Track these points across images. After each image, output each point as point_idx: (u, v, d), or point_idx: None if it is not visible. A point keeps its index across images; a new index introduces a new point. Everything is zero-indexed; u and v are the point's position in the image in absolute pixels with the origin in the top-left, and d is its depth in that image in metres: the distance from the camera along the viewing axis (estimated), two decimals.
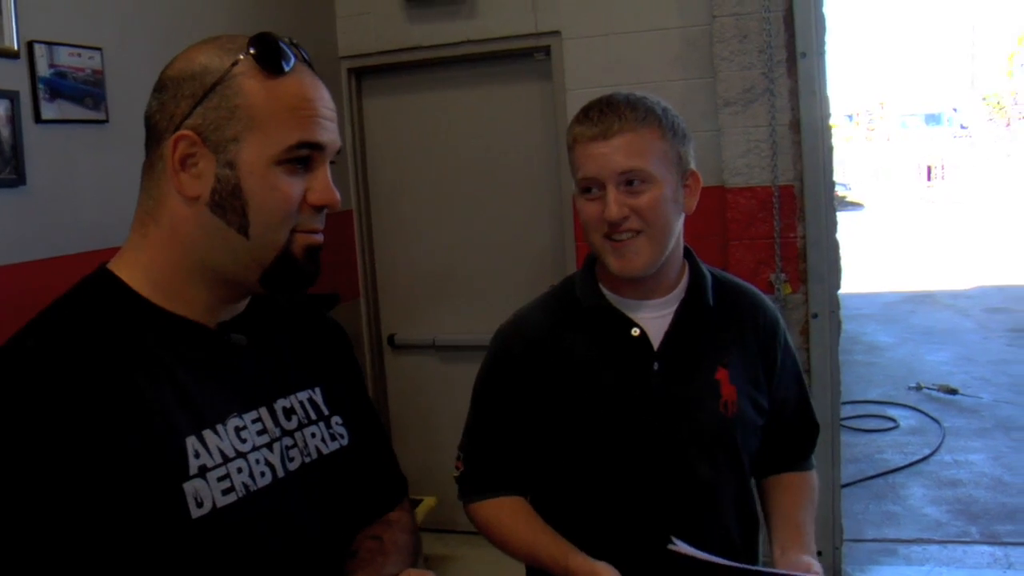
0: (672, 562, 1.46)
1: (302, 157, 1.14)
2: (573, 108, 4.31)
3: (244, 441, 1.15)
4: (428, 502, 4.37)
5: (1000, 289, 12.83)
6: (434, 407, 4.88)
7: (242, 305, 1.24)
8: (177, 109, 1.12)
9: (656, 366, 1.67)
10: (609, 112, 1.62)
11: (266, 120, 1.11)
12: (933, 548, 4.53)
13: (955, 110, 30.77)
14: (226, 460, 1.12)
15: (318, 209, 1.17)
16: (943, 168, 26.06)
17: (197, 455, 1.09)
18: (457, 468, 1.80)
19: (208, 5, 3.77)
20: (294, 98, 1.13)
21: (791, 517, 1.76)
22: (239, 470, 1.13)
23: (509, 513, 1.73)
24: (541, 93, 4.61)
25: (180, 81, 1.13)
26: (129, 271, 1.17)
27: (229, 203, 1.12)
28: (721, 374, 1.70)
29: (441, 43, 4.51)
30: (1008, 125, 23.71)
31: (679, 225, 1.69)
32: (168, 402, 1.09)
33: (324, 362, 1.36)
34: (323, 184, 1.16)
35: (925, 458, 5.95)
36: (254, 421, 1.18)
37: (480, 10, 4.51)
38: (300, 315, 1.38)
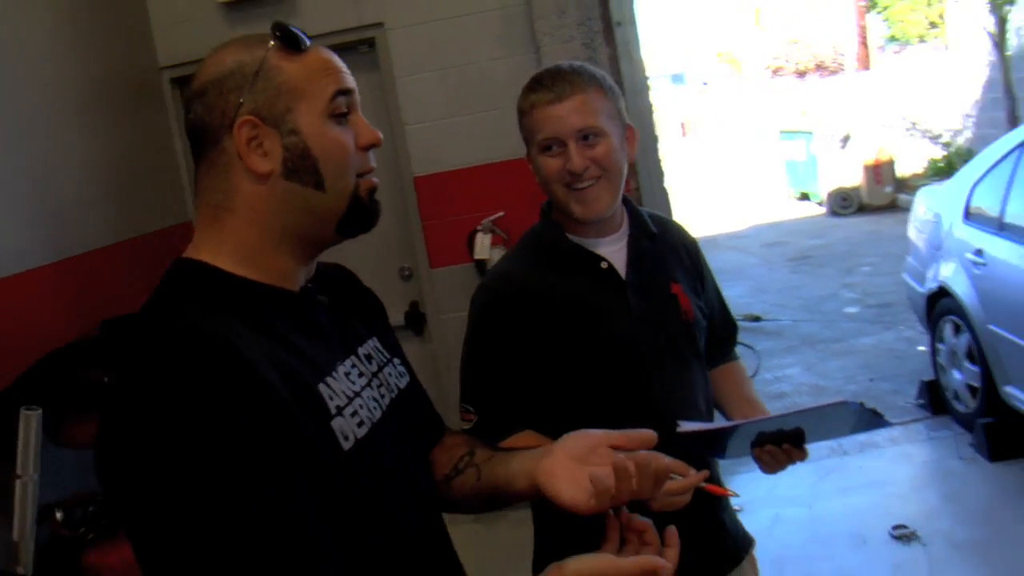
0: (683, 443, 1.73)
1: (341, 107, 1.27)
2: (404, 95, 4.61)
3: (353, 383, 1.29)
4: None
5: (771, 226, 13.96)
6: None
7: (312, 271, 1.36)
8: (227, 104, 1.24)
9: (628, 290, 1.94)
10: (560, 79, 1.86)
11: (306, 86, 1.25)
12: None
13: (695, 68, 32.72)
14: (350, 400, 1.26)
15: (367, 150, 1.31)
16: (693, 124, 27.62)
17: (331, 398, 1.22)
18: (468, 420, 1.94)
19: (24, 21, 3.72)
20: (319, 62, 1.28)
21: (738, 391, 2.13)
22: (361, 407, 1.28)
23: (533, 441, 1.88)
24: (369, 84, 4.74)
25: (219, 81, 1.25)
26: (216, 257, 1.26)
27: (302, 165, 1.25)
28: (676, 288, 2.00)
29: None
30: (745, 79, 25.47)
31: (626, 171, 1.94)
32: (293, 359, 1.21)
33: (373, 316, 1.52)
34: (364, 126, 1.31)
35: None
36: (352, 367, 1.32)
37: (301, 8, 4.61)
38: (342, 279, 1.53)
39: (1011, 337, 4.40)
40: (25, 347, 3.19)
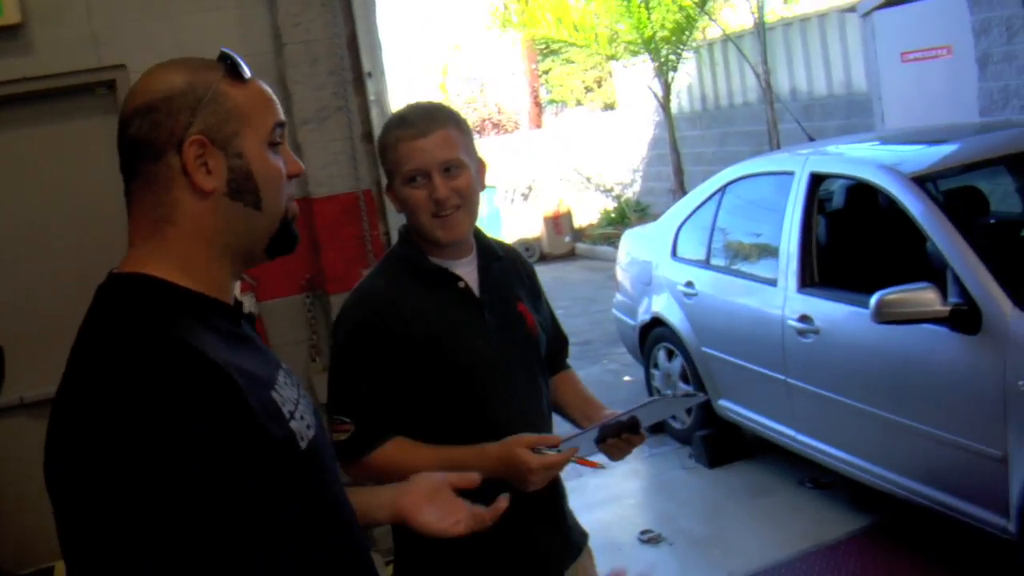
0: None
1: (277, 138, 1.36)
2: None
3: (292, 392, 1.37)
4: (60, 566, 4.23)
5: None
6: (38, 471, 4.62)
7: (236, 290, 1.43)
8: (176, 123, 1.29)
9: (483, 307, 2.13)
10: (424, 116, 2.05)
11: (251, 114, 1.34)
12: None
13: None
14: (296, 405, 1.34)
15: (292, 179, 1.40)
16: None
17: (283, 404, 1.30)
18: (344, 431, 2.05)
19: None
20: (261, 94, 1.37)
21: (578, 394, 2.36)
22: (303, 414, 1.35)
23: (409, 445, 2.05)
24: (108, 127, 4.56)
25: (169, 100, 1.30)
26: (162, 270, 1.29)
27: (244, 186, 1.32)
28: (522, 307, 2.21)
29: None
30: None
31: (479, 199, 2.15)
32: (244, 364, 1.26)
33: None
34: (292, 157, 1.41)
35: None
36: (285, 379, 1.39)
37: (37, 46, 4.40)
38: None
39: (722, 356, 5.02)
40: None
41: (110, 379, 1.14)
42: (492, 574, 2.11)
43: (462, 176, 2.03)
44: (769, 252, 4.70)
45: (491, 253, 2.20)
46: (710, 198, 5.42)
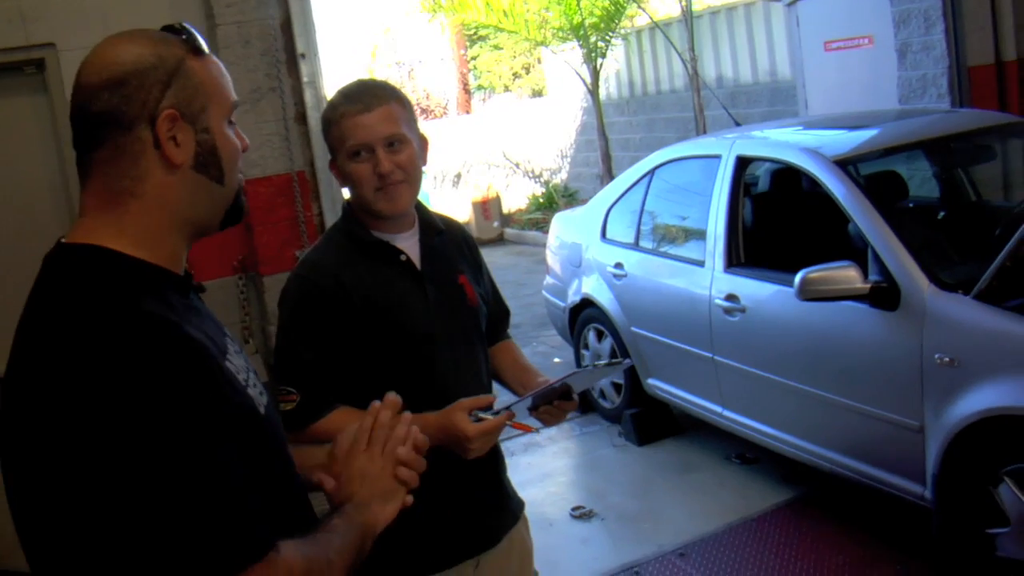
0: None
1: (233, 115, 1.41)
2: None
3: (243, 362, 1.40)
4: None
5: None
6: None
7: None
8: (149, 96, 1.30)
9: (424, 280, 2.19)
10: (366, 92, 2.10)
11: (215, 90, 1.37)
12: None
13: None
14: (248, 375, 1.37)
15: (243, 152, 1.46)
16: None
17: (237, 372, 1.32)
18: (291, 401, 2.09)
19: None
20: (219, 69, 1.41)
21: (516, 362, 2.42)
22: (255, 383, 1.38)
23: (351, 414, 2.07)
24: (36, 107, 4.54)
25: (142, 73, 1.31)
26: (117, 242, 1.29)
27: (210, 160, 1.36)
28: (463, 279, 2.27)
29: None
30: None
31: (422, 173, 2.20)
32: (197, 333, 1.27)
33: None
34: (240, 133, 1.45)
35: None
36: (235, 350, 1.41)
37: None
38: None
39: (651, 335, 5.12)
40: None
41: (78, 352, 1.15)
42: (435, 537, 2.15)
43: (405, 151, 2.09)
44: (697, 234, 4.82)
45: (433, 227, 2.26)
46: (639, 181, 5.52)
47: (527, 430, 2.17)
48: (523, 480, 5.11)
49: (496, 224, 14.72)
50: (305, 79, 4.64)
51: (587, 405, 6.00)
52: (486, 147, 15.41)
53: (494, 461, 2.26)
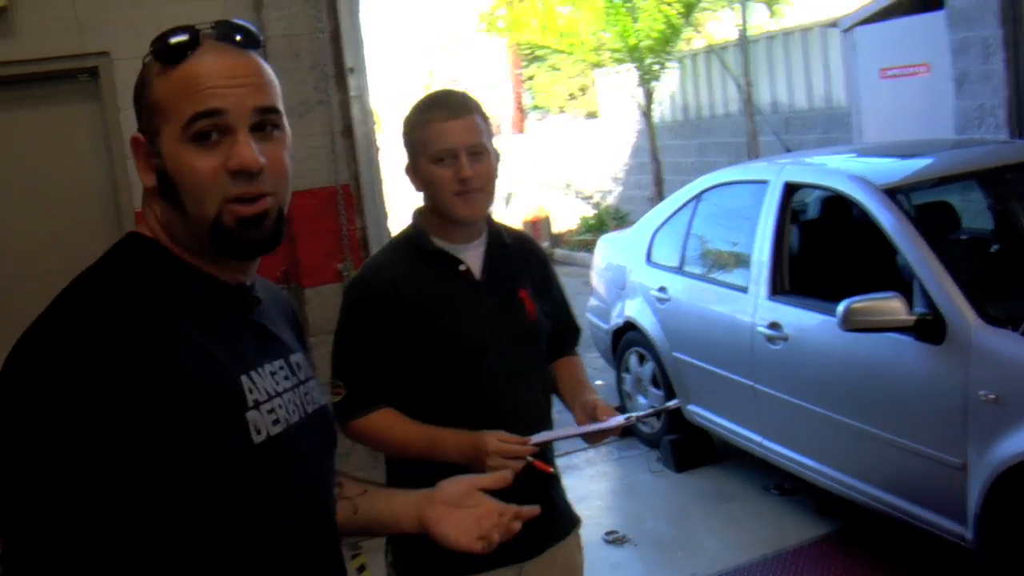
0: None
1: (204, 130, 1.19)
2: (128, 127, 4.51)
3: (277, 383, 1.30)
4: None
5: None
6: None
7: (252, 273, 1.35)
8: (139, 119, 1.27)
9: (482, 290, 2.21)
10: (454, 100, 2.16)
11: (168, 107, 1.21)
12: None
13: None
14: (270, 397, 1.26)
15: (237, 175, 1.20)
16: None
17: (251, 391, 1.23)
18: (337, 394, 2.18)
19: None
20: (186, 79, 1.20)
21: (574, 378, 2.42)
22: (280, 406, 1.27)
23: (395, 417, 2.17)
24: (90, 114, 4.62)
25: (135, 93, 1.28)
26: (158, 236, 1.27)
27: (167, 189, 1.23)
28: (523, 293, 2.29)
29: None
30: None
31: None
32: (217, 344, 1.22)
33: (301, 338, 1.54)
34: (235, 148, 1.20)
35: None
36: (280, 368, 1.33)
37: (18, 29, 4.40)
38: (277, 295, 1.54)
39: (693, 361, 5.06)
40: None
41: (33, 338, 1.13)
42: None
43: (485, 161, 2.14)
44: (742, 259, 4.75)
45: (500, 240, 2.29)
46: (685, 205, 5.47)
47: (545, 470, 2.15)
48: None
49: (545, 244, 14.69)
50: (353, 93, 4.68)
51: (627, 429, 5.91)
52: (538, 167, 15.42)
53: (542, 477, 2.25)
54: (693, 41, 12.19)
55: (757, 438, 4.61)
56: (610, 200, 14.83)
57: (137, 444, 1.08)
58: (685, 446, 5.33)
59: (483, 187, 2.14)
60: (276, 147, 1.25)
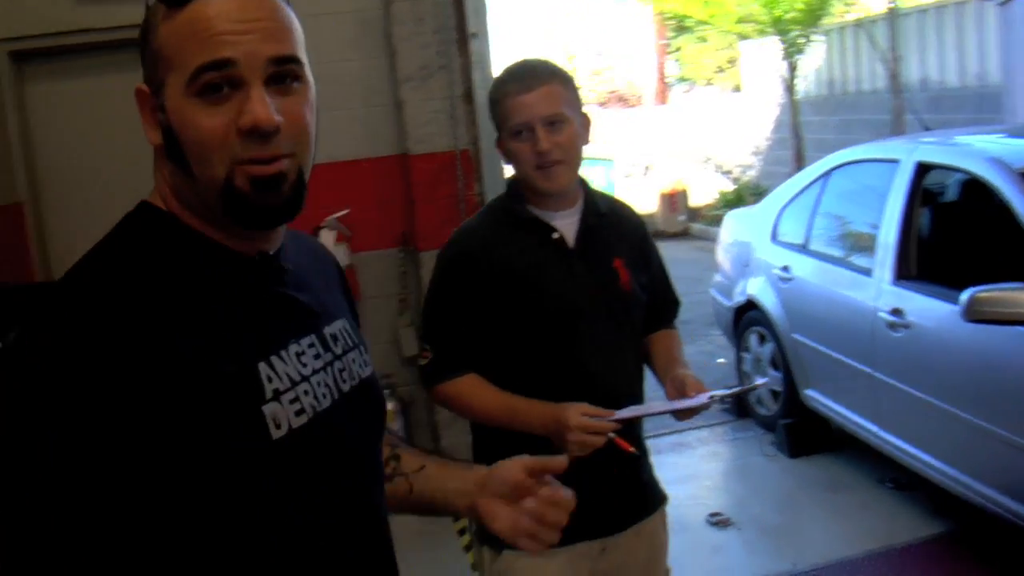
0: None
1: (213, 82, 1.06)
2: None
3: (304, 365, 1.17)
4: None
5: None
6: None
7: (278, 237, 1.21)
8: (145, 66, 1.14)
9: (573, 258, 2.18)
10: (528, 72, 2.11)
11: (173, 56, 1.07)
12: None
13: None
14: (294, 384, 1.14)
15: (249, 135, 1.07)
16: None
17: (270, 379, 1.10)
18: (424, 357, 2.21)
19: None
20: (192, 24, 1.07)
21: (668, 351, 2.36)
22: (305, 392, 1.15)
23: (479, 384, 2.17)
24: None
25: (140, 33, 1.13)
26: (169, 203, 1.16)
27: (173, 148, 1.10)
28: (618, 263, 2.24)
29: (114, 26, 4.45)
30: None
31: (582, 152, 2.20)
32: (233, 329, 1.11)
33: (344, 296, 1.42)
34: (248, 104, 1.06)
35: None
36: (309, 346, 1.20)
37: None
38: (313, 250, 1.41)
39: (812, 344, 4.89)
40: None
41: (38, 327, 1.03)
42: None
43: (565, 131, 2.10)
44: (867, 241, 4.54)
45: (595, 208, 2.25)
46: (814, 182, 5.28)
47: (626, 449, 2.10)
48: (664, 480, 4.88)
49: (682, 218, 14.49)
50: (475, 58, 4.67)
51: (743, 410, 5.81)
52: (678, 139, 15.18)
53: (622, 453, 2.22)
54: (844, 14, 11.73)
55: (874, 428, 4.42)
56: (750, 175, 14.49)
57: (139, 444, 0.98)
58: (800, 431, 5.16)
59: (563, 158, 2.10)
60: (296, 102, 1.10)
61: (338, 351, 1.26)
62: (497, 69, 4.89)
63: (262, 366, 1.10)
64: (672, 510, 4.50)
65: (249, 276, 1.16)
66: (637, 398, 2.25)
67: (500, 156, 2.21)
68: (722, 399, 2.14)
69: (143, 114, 1.13)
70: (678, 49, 20.39)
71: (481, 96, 4.71)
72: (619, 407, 2.07)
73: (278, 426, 1.09)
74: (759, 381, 2.35)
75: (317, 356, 1.20)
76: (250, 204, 1.09)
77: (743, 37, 12.16)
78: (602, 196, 2.32)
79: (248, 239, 1.16)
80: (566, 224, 2.20)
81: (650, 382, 2.32)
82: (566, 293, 2.16)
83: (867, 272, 4.42)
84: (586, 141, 2.18)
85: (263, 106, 1.06)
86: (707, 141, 15.09)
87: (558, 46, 19.86)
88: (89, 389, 0.97)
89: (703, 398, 2.12)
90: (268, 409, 1.09)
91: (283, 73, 1.09)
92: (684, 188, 14.47)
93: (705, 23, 12.25)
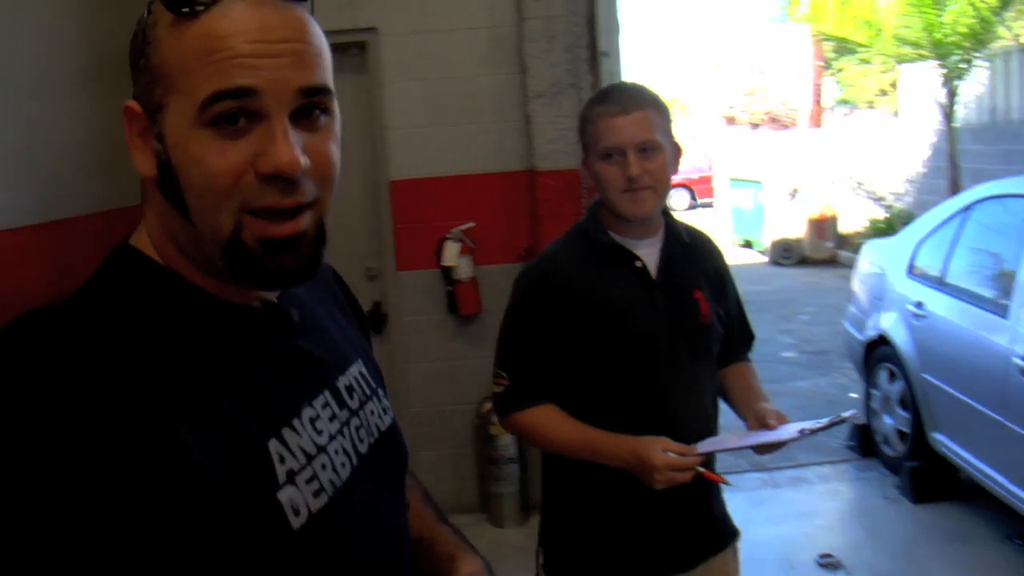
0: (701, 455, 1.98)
1: (228, 113, 0.89)
2: (390, 100, 4.76)
3: (320, 433, 1.01)
4: None
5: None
6: None
7: None
8: (135, 76, 0.96)
9: (656, 289, 2.14)
10: (625, 95, 2.09)
11: (179, 76, 0.90)
12: None
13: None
14: (309, 459, 0.98)
15: (269, 180, 0.90)
16: None
17: (283, 460, 0.94)
18: (500, 384, 2.17)
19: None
20: (206, 40, 0.89)
21: (746, 384, 2.32)
22: (323, 467, 0.99)
23: (557, 415, 2.13)
24: (355, 86, 4.88)
25: (131, 44, 0.96)
26: (161, 249, 0.98)
27: (168, 184, 0.93)
28: (698, 294, 2.20)
29: None
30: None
31: (671, 181, 2.17)
32: (235, 402, 0.93)
33: (356, 330, 1.24)
34: (271, 143, 0.90)
35: None
36: (323, 407, 1.04)
37: None
38: (326, 280, 1.24)
39: (943, 386, 4.66)
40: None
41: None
42: (628, 548, 2.14)
43: (656, 158, 2.07)
44: (1006, 281, 4.31)
45: (677, 237, 2.21)
46: (955, 215, 5.04)
47: (718, 481, 2.07)
48: (778, 515, 4.87)
49: (830, 244, 14.10)
50: (604, 77, 4.65)
51: (868, 448, 5.59)
52: (830, 163, 14.74)
53: (702, 485, 2.18)
54: (1012, 39, 11.17)
55: (1002, 480, 4.18)
56: (903, 203, 13.95)
57: (131, 552, 0.80)
58: (926, 476, 4.93)
59: (652, 185, 2.06)
60: (323, 139, 0.95)
61: (354, 405, 1.10)
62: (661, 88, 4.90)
63: (273, 444, 0.94)
64: (781, 547, 4.42)
65: (252, 333, 1.00)
66: (713, 433, 2.19)
67: (587, 178, 2.18)
68: (811, 432, 2.05)
69: (131, 138, 0.95)
70: (840, 70, 19.82)
71: None
72: (695, 440, 2.03)
73: (297, 513, 0.94)
74: (846, 414, 2.19)
75: (332, 417, 1.05)
76: (259, 265, 0.93)
77: (904, 60, 11.73)
78: (683, 226, 2.27)
79: (238, 291, 1.00)
80: (648, 253, 2.16)
81: (726, 415, 2.27)
82: (647, 324, 2.12)
83: (1003, 314, 4.19)
84: (675, 171, 2.14)
85: (289, 147, 0.90)
86: (860, 166, 14.59)
87: (708, 65, 19.62)
88: (64, 493, 0.78)
89: (790, 431, 2.05)
90: (284, 495, 0.93)
91: (311, 105, 0.94)
92: (834, 214, 14.07)
93: (860, 45, 11.86)
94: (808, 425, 2.04)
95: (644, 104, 2.06)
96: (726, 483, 2.10)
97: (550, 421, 2.14)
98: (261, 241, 0.91)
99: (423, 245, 4.83)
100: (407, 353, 4.86)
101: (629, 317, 2.11)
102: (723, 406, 2.29)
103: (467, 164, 4.77)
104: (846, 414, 2.14)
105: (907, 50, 11.17)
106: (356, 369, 1.14)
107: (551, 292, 2.13)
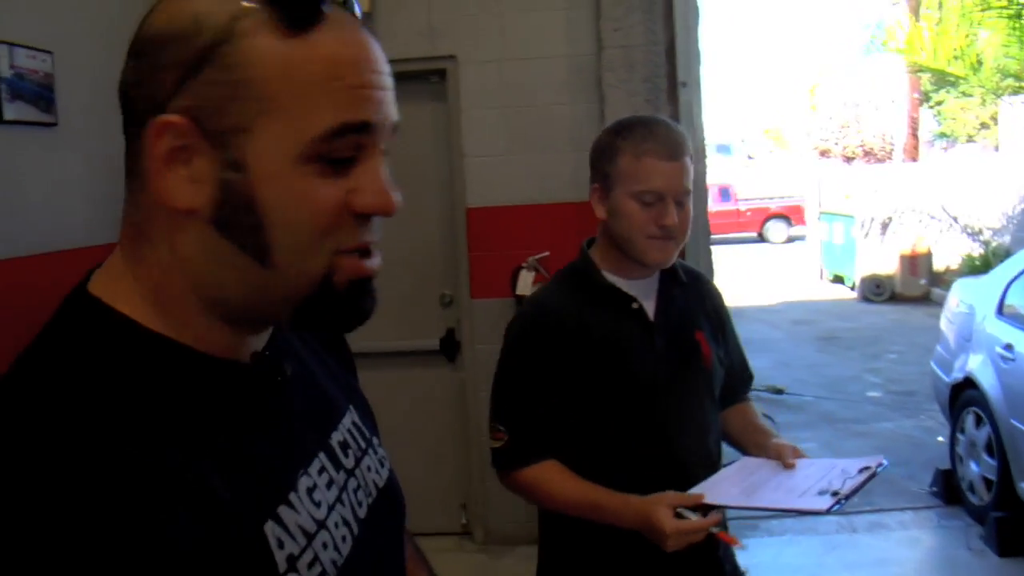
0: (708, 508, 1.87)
1: (341, 152, 0.81)
2: (468, 127, 4.76)
3: (319, 505, 0.89)
4: None
5: (802, 304, 14.08)
6: None
7: (268, 328, 0.93)
8: (161, 84, 0.79)
9: (655, 331, 2.05)
10: (673, 138, 1.97)
11: (289, 98, 0.78)
12: (788, 521, 5.12)
13: (743, 141, 33.08)
14: (310, 540, 0.86)
15: (365, 218, 0.83)
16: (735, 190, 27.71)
17: (281, 544, 0.82)
18: (499, 439, 2.03)
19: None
20: (330, 64, 0.79)
21: (748, 423, 2.21)
22: (324, 545, 0.87)
23: (560, 472, 2.02)
24: (435, 114, 4.91)
25: (163, 43, 0.79)
26: (128, 300, 0.83)
27: (239, 220, 0.80)
28: (699, 335, 2.11)
29: None
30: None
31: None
32: (224, 481, 0.79)
33: (345, 373, 1.13)
34: (374, 182, 0.82)
35: None
36: (320, 473, 0.92)
37: (381, 32, 4.77)
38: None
39: None
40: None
41: None
42: None
43: (687, 208, 1.97)
44: None
45: (675, 278, 2.11)
46: None
47: (732, 543, 1.96)
48: (853, 562, 4.71)
49: (923, 282, 13.74)
50: (682, 108, 4.60)
51: (953, 496, 5.38)
52: (925, 198, 14.38)
53: (707, 543, 2.09)
54: None
55: None
56: (1000, 240, 13.52)
57: None
58: (1013, 527, 4.70)
59: (679, 236, 1.97)
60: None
61: (350, 464, 0.99)
62: (707, 119, 4.83)
63: (270, 526, 0.81)
64: None
65: (242, 394, 0.87)
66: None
67: (596, 208, 2.03)
68: (843, 499, 1.88)
69: (155, 160, 0.79)
70: (939, 103, 19.40)
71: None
72: (701, 489, 1.90)
73: None
74: (874, 465, 1.98)
75: (330, 483, 0.93)
76: (343, 307, 0.84)
77: (1005, 92, 11.40)
78: (682, 266, 2.17)
79: (240, 345, 0.88)
80: (645, 294, 2.05)
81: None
82: (647, 368, 2.02)
83: None
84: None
85: (391, 186, 0.83)
86: (956, 201, 14.21)
87: (800, 97, 19.35)
88: None
89: (820, 503, 1.88)
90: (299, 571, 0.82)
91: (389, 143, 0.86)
92: (927, 250, 13.70)
93: (957, 76, 11.57)
94: (844, 490, 1.89)
95: (687, 151, 1.97)
96: (740, 546, 1.99)
97: (553, 479, 2.01)
98: (352, 282, 0.83)
99: (498, 273, 4.81)
100: (479, 382, 4.84)
101: (628, 359, 2.01)
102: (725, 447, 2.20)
103: (544, 193, 4.75)
104: (874, 465, 1.97)
105: (1009, 82, 10.84)
106: (348, 419, 1.04)
107: (544, 337, 2.02)
